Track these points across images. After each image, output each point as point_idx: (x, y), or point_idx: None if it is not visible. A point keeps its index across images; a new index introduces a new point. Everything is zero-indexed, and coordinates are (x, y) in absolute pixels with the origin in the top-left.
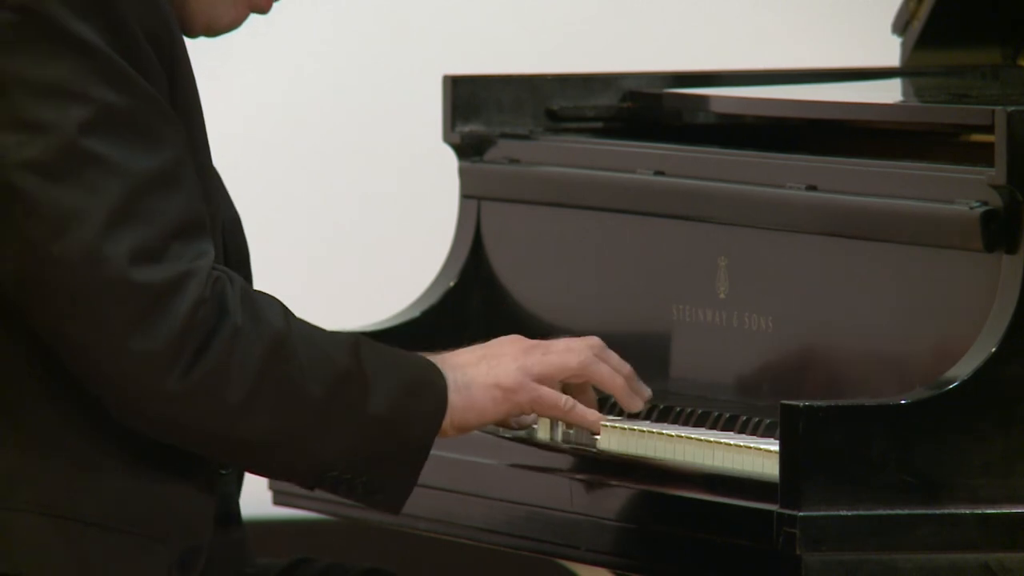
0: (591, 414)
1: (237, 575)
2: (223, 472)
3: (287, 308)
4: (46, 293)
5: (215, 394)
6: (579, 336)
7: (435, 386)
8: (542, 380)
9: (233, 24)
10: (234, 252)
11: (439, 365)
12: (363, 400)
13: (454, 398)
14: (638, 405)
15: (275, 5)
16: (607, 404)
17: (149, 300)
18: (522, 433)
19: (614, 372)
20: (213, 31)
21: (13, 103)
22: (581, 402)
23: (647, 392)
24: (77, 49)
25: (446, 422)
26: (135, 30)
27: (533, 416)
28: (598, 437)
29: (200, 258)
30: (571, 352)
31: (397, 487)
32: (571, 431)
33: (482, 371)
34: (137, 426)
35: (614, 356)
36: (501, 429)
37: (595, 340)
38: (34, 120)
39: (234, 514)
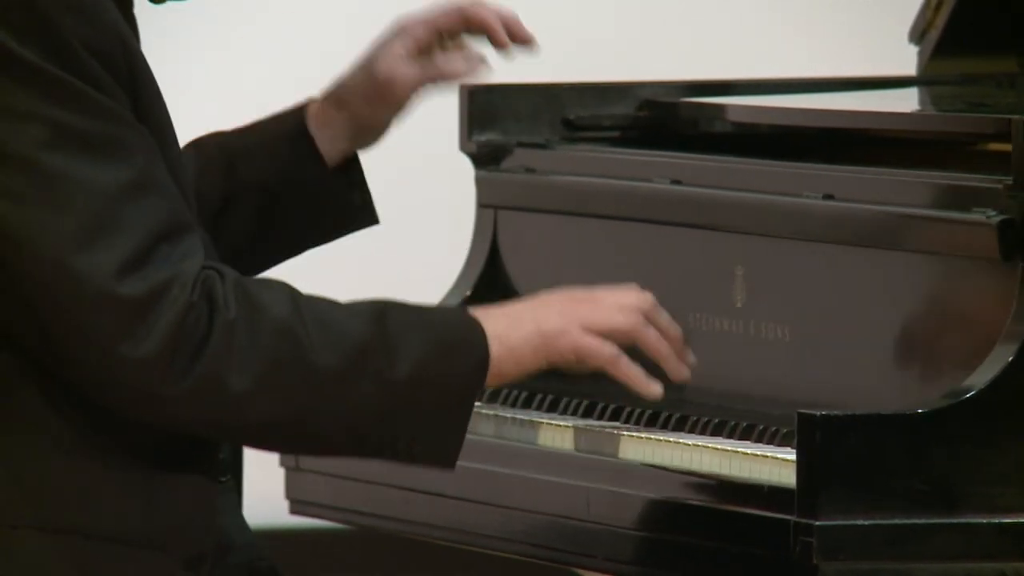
0: (638, 371)
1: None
2: (221, 480)
3: (295, 291)
4: (28, 313)
5: (217, 389)
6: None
7: (473, 342)
8: (588, 331)
9: None
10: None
11: (480, 319)
12: (388, 366)
13: (495, 347)
14: (685, 373)
15: None
16: (622, 413)
17: (135, 310)
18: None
19: (661, 339)
20: None
21: None
22: None
23: (692, 359)
24: (24, 71)
25: (489, 373)
26: (79, 50)
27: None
28: (622, 437)
29: (186, 259)
30: (622, 312)
31: (444, 444)
32: (588, 437)
33: (526, 319)
34: (147, 422)
35: (665, 316)
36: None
37: (647, 298)
38: None
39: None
